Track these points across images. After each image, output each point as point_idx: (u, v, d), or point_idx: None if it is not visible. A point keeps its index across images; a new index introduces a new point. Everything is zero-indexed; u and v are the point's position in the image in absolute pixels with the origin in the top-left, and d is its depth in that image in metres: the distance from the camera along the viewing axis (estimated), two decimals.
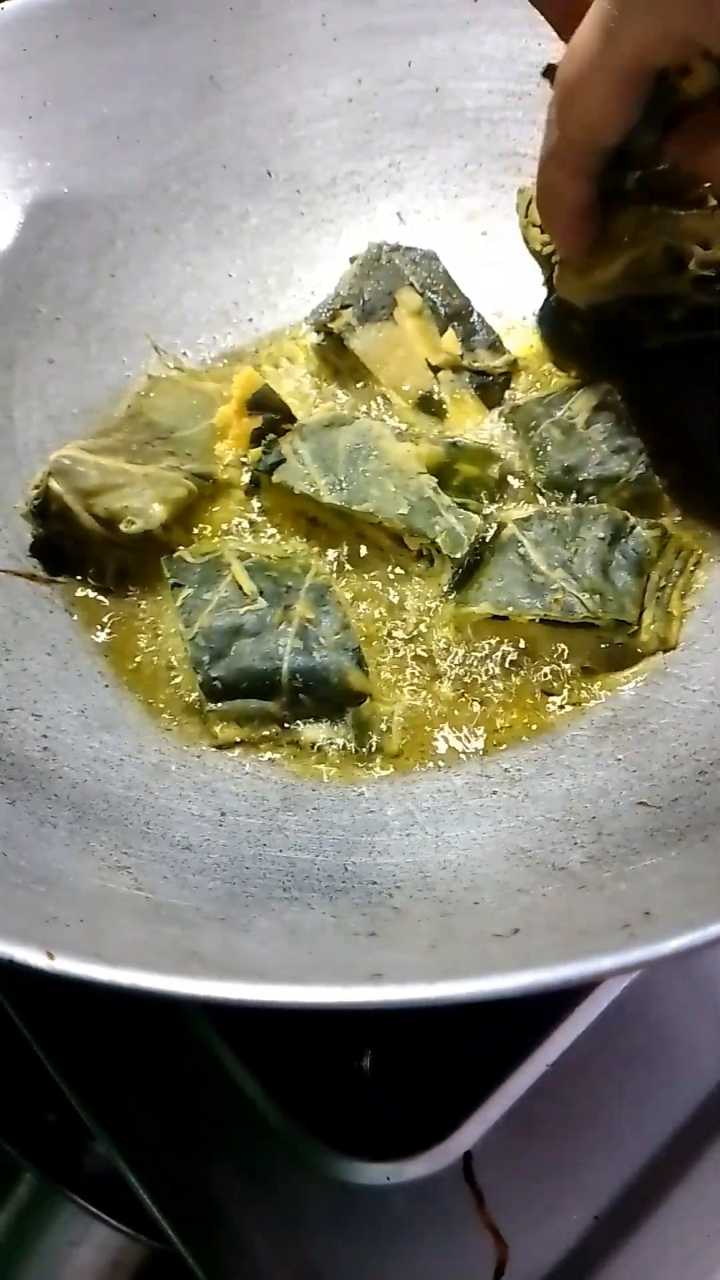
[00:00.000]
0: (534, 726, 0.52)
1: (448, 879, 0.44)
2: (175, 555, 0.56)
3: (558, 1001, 0.51)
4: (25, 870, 0.40)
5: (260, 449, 0.59)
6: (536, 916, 0.39)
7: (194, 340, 0.67)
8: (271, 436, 0.59)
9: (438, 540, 0.54)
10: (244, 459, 0.60)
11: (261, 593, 0.53)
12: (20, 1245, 0.53)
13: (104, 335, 0.65)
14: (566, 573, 0.53)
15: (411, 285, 0.64)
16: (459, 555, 0.54)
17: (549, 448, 0.59)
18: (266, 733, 0.52)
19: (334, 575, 0.57)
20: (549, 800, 0.48)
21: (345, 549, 0.58)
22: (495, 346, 0.64)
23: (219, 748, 0.52)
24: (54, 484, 0.55)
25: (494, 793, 0.50)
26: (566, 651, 0.54)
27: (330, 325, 0.63)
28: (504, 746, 0.52)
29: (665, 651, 0.54)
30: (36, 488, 0.55)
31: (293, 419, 0.60)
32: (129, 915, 0.39)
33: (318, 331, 0.64)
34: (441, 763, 0.52)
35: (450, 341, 0.63)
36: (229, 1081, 0.51)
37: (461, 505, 0.56)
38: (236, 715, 0.52)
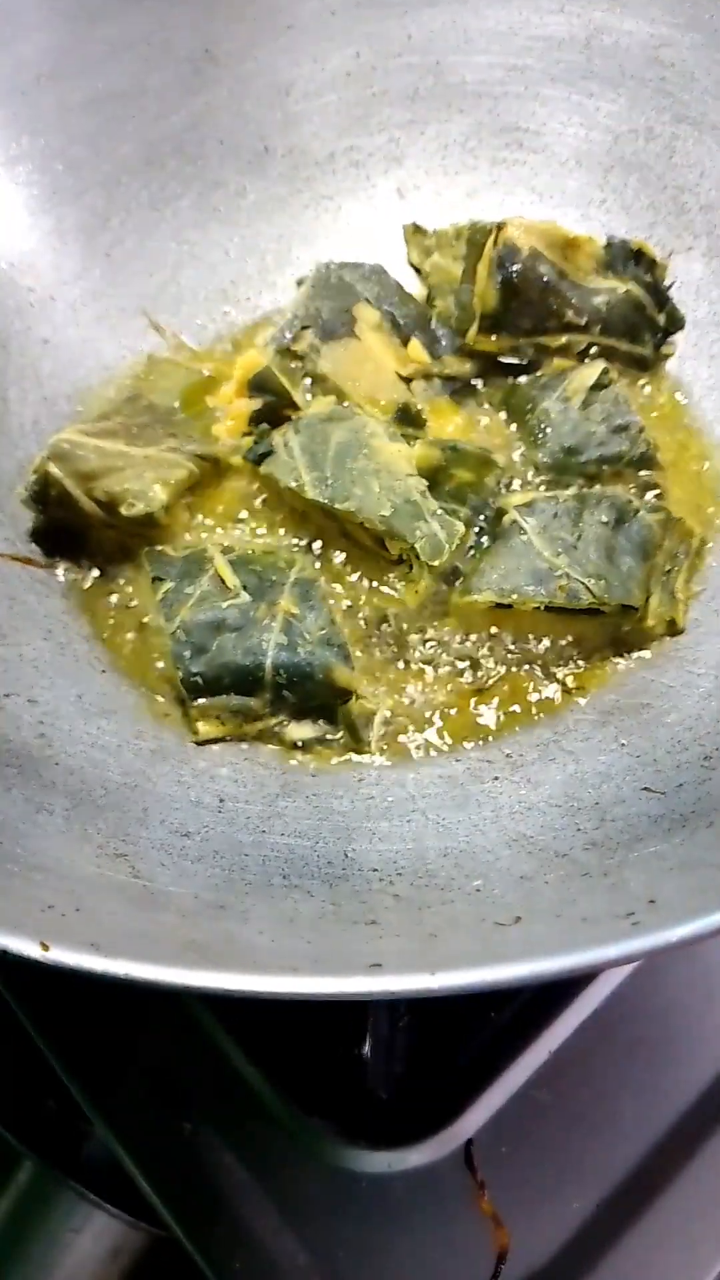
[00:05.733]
0: (536, 712, 0.52)
1: (449, 866, 0.43)
2: (156, 549, 0.54)
3: (560, 989, 0.51)
4: (21, 858, 0.40)
5: (254, 437, 0.58)
6: (538, 904, 0.39)
7: (192, 319, 0.66)
8: (264, 426, 0.58)
9: (416, 546, 0.52)
10: (246, 436, 0.59)
11: (245, 587, 0.52)
12: (21, 1232, 0.53)
13: (100, 315, 0.64)
14: (570, 558, 0.52)
15: (367, 300, 0.62)
16: (437, 563, 0.52)
17: (548, 430, 0.58)
18: (249, 730, 0.51)
19: (321, 569, 0.56)
20: (551, 786, 0.48)
21: (330, 546, 0.56)
22: (461, 350, 0.63)
23: (200, 744, 0.51)
24: (53, 469, 0.54)
25: (495, 778, 0.49)
26: (570, 637, 0.53)
27: (294, 349, 0.61)
28: (505, 732, 0.51)
29: (673, 635, 0.53)
30: (35, 473, 0.54)
31: (294, 404, 0.59)
32: (126, 903, 0.39)
33: (282, 357, 0.62)
34: (443, 749, 0.51)
35: (416, 350, 0.62)
36: (229, 1068, 0.51)
37: (451, 512, 0.54)
38: (218, 711, 0.51)
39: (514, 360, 0.62)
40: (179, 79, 0.67)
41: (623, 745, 0.48)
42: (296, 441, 0.56)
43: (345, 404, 0.59)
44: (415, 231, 0.65)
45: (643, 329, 0.61)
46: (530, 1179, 0.50)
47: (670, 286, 0.61)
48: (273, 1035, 0.51)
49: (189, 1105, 0.52)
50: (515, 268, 0.59)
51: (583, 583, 0.51)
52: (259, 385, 0.60)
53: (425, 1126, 0.49)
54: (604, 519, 0.53)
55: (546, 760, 0.49)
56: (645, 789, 0.45)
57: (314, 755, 0.51)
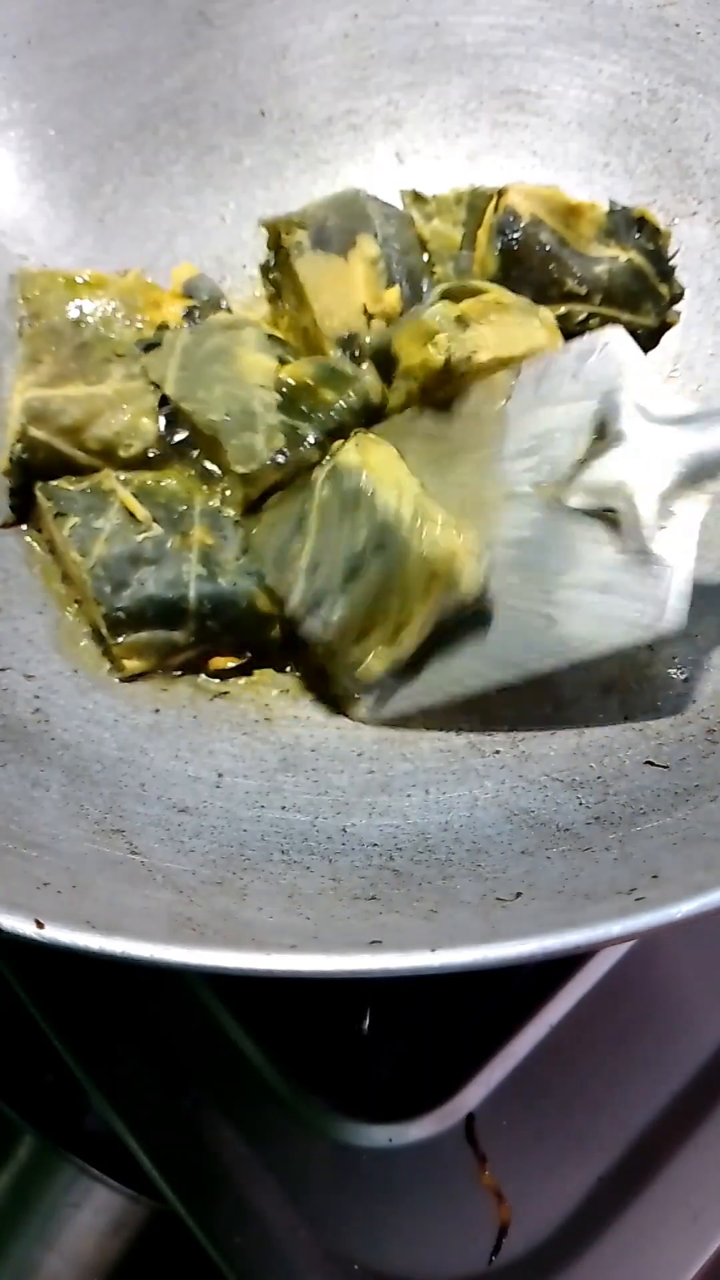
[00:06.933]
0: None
1: (449, 841, 0.43)
2: (52, 484, 0.53)
3: (562, 963, 0.51)
4: (16, 835, 0.39)
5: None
6: (540, 880, 0.39)
7: None
8: (166, 325, 0.57)
9: (229, 452, 0.52)
10: None
11: (156, 520, 0.51)
12: (21, 1207, 0.53)
13: None
14: (311, 555, 0.50)
15: (375, 235, 0.61)
16: (243, 471, 0.52)
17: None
18: (172, 662, 0.51)
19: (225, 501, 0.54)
20: (553, 759, 0.47)
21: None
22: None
23: (127, 680, 0.51)
24: (35, 431, 0.53)
25: (496, 751, 0.49)
26: None
27: (282, 234, 0.60)
28: (506, 704, 0.51)
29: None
30: (19, 440, 0.53)
31: (221, 306, 0.60)
32: (123, 880, 0.38)
33: (270, 245, 0.61)
34: (441, 721, 0.51)
35: (393, 297, 0.60)
36: (229, 1043, 0.51)
37: (291, 428, 0.52)
38: (142, 647, 0.50)
39: None
40: (172, 41, 0.65)
41: (626, 718, 0.48)
42: (182, 341, 0.56)
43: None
44: (416, 198, 0.64)
45: (644, 299, 0.60)
46: (532, 1153, 0.50)
47: (674, 256, 0.60)
48: (272, 1009, 0.51)
49: (188, 1079, 0.52)
50: (516, 235, 0.58)
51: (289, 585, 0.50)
52: (191, 288, 0.60)
53: (426, 1101, 0.48)
54: (364, 534, 0.48)
55: (548, 733, 0.49)
56: (649, 762, 0.45)
57: (229, 687, 0.52)
